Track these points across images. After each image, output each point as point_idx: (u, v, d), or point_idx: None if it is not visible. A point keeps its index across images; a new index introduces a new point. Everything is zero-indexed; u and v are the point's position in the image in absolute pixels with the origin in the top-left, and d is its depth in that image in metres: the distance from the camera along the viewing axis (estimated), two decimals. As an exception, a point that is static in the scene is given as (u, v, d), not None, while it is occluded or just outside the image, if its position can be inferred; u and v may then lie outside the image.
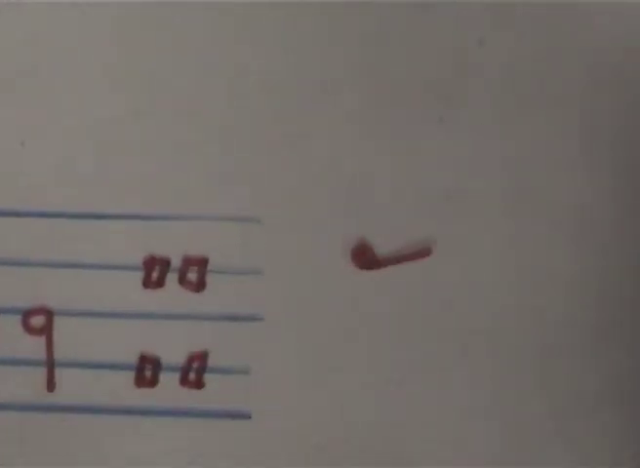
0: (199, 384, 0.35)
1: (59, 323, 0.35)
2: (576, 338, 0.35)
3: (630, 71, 0.35)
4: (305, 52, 0.35)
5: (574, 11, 0.35)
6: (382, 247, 0.35)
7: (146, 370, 0.35)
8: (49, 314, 0.35)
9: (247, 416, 0.34)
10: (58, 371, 0.35)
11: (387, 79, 0.35)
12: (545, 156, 0.35)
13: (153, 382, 0.35)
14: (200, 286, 0.35)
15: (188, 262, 0.35)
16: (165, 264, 0.35)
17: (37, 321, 0.35)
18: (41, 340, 0.35)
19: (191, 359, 0.35)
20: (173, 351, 0.35)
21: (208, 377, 0.35)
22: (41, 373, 0.35)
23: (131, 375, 0.35)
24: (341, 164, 0.35)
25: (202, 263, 0.35)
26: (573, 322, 0.35)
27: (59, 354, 0.35)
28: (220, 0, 0.35)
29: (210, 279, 0.35)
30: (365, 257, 0.35)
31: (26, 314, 0.35)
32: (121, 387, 0.35)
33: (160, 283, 0.35)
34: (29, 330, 0.35)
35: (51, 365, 0.35)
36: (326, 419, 0.35)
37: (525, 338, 0.35)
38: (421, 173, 0.35)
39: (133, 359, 0.35)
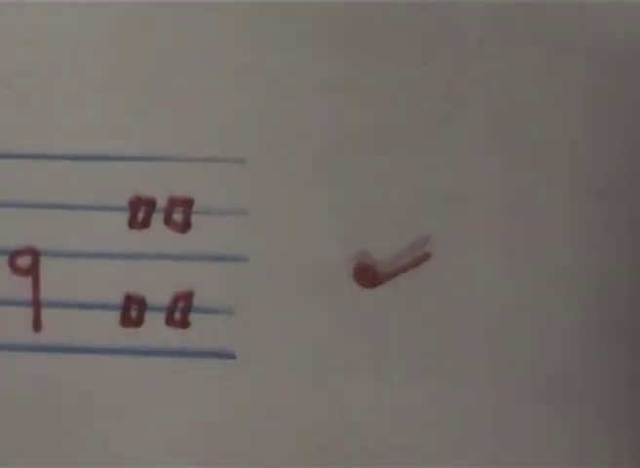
0: (184, 324, 0.35)
1: (45, 263, 0.35)
2: (576, 339, 0.35)
3: (630, 71, 0.35)
4: (305, 52, 0.35)
5: (574, 11, 0.35)
6: (380, 244, 0.35)
7: (132, 310, 0.35)
8: (35, 254, 0.35)
9: (231, 356, 0.35)
10: (44, 311, 0.35)
11: (387, 79, 0.35)
12: (545, 156, 0.35)
13: (139, 322, 0.35)
14: (185, 226, 0.35)
15: (174, 203, 0.35)
16: (151, 205, 0.35)
17: (23, 261, 0.35)
18: (27, 281, 0.35)
19: (176, 299, 0.35)
20: (158, 291, 0.35)
21: (193, 317, 0.35)
22: (27, 313, 0.35)
23: (116, 315, 0.35)
24: (341, 163, 0.35)
25: (187, 204, 0.35)
26: (572, 322, 0.35)
27: (45, 294, 0.35)
28: (219, 0, 0.35)
29: (195, 219, 0.35)
30: (367, 277, 0.35)
31: (13, 255, 0.35)
32: (107, 327, 0.35)
33: (146, 223, 0.35)
34: (16, 270, 0.35)
35: (37, 305, 0.35)
36: (326, 419, 0.35)
37: (525, 338, 0.35)
38: (421, 172, 0.35)
39: (118, 299, 0.35)
